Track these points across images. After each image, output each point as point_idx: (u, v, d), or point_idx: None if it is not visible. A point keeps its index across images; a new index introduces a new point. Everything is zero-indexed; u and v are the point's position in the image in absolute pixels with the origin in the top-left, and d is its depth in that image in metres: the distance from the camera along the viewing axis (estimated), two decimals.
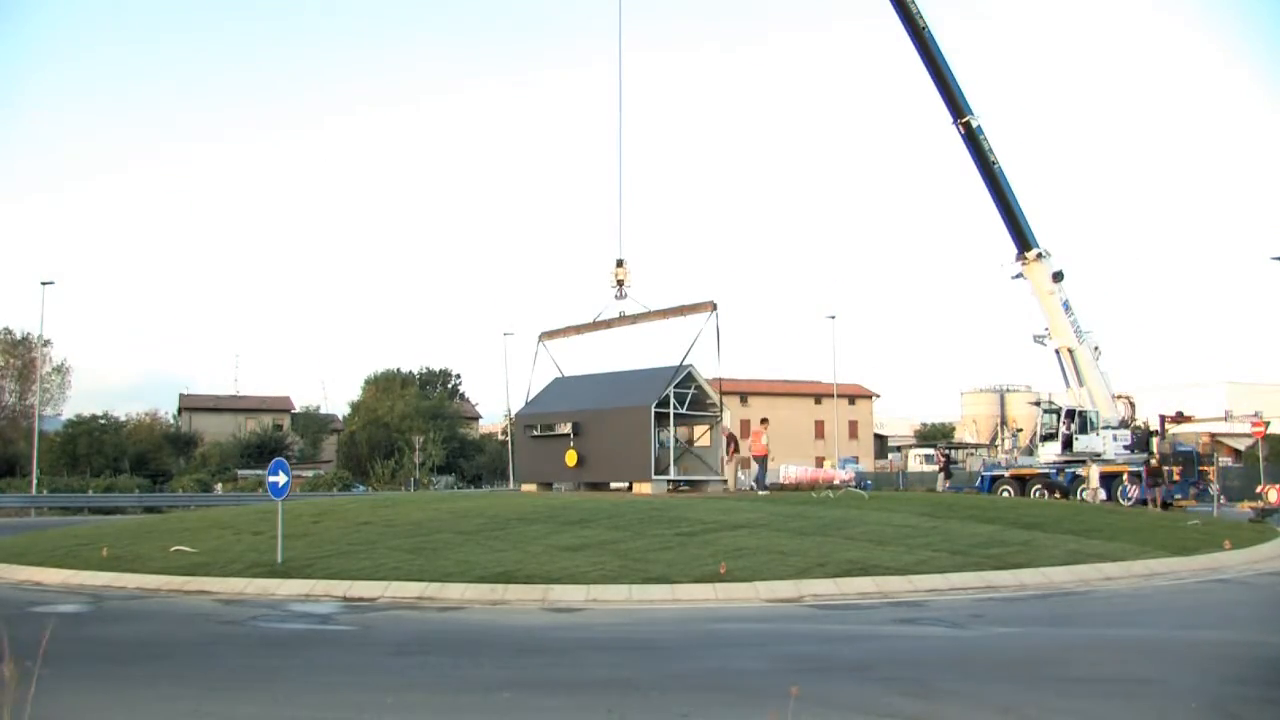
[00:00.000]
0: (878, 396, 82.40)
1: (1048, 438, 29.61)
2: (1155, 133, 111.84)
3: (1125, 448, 28.42)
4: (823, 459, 61.90)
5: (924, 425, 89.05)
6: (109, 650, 9.05)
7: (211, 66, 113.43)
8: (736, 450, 25.27)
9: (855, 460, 67.86)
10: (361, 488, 51.30)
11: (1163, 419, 29.05)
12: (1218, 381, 60.95)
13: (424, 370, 79.84)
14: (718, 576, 12.16)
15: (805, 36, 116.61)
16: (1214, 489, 26.84)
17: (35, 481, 43.37)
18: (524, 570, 12.63)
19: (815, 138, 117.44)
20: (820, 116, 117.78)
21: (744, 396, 66.81)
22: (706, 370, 22.79)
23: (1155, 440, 28.45)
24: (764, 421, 26.05)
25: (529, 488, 24.27)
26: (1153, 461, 26.61)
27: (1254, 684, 7.62)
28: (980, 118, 28.19)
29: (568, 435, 22.53)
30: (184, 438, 65.36)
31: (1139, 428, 29.05)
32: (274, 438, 64.33)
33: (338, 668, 8.27)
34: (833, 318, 60.37)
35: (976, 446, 67.68)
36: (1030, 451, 31.87)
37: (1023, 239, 28.72)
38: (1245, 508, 27.26)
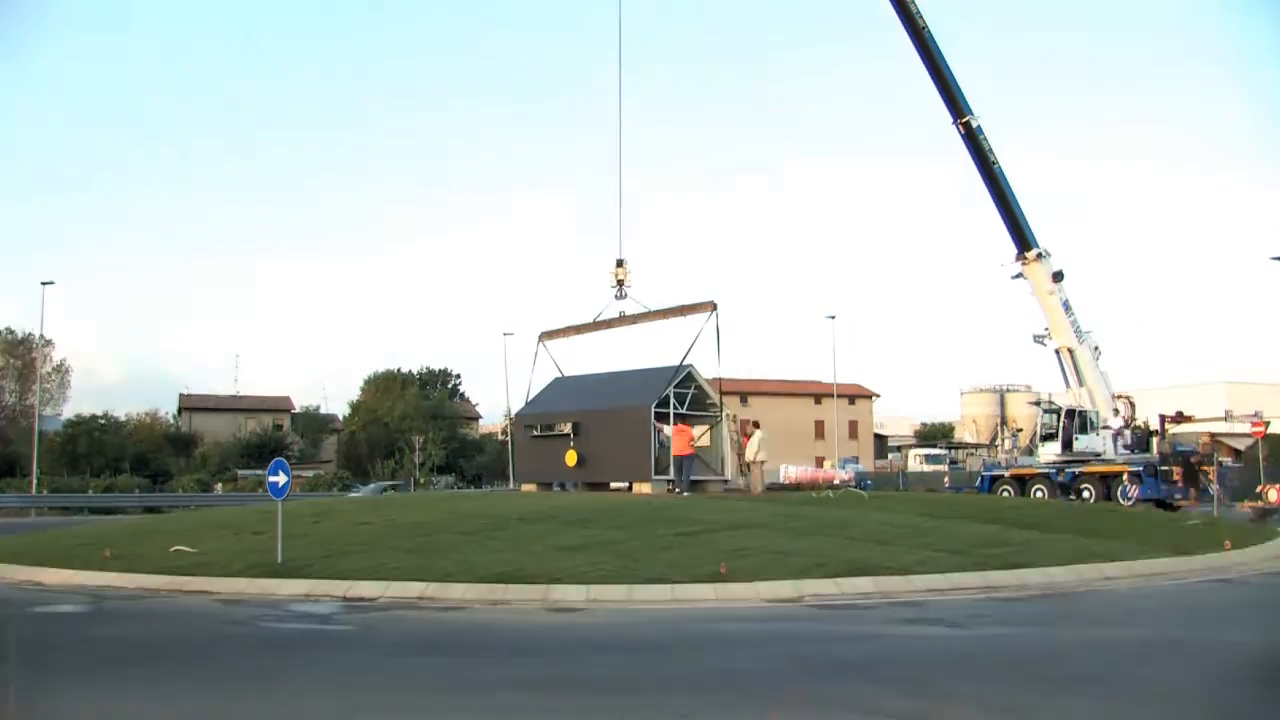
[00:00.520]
0: (878, 396, 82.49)
1: (1048, 438, 29.63)
2: (1155, 133, 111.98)
3: (1125, 448, 28.43)
4: (823, 459, 61.89)
5: (924, 425, 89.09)
6: (109, 650, 9.05)
7: (212, 65, 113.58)
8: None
9: (855, 460, 67.87)
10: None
11: (1163, 419, 29.06)
12: (1218, 381, 60.96)
13: (424, 370, 79.94)
14: (718, 576, 12.15)
15: (805, 36, 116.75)
16: (1214, 489, 26.85)
17: (35, 481, 43.38)
18: (524, 570, 12.62)
19: (815, 137, 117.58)
20: (820, 116, 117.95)
21: (744, 396, 66.74)
22: (706, 370, 22.81)
23: (1155, 440, 28.48)
24: (755, 424, 24.66)
25: (529, 488, 24.27)
26: (1193, 459, 26.99)
27: (1254, 684, 7.63)
28: (980, 118, 28.24)
29: (568, 435, 22.54)
30: (184, 438, 65.35)
31: (1139, 428, 29.07)
32: (274, 438, 64.30)
33: (338, 668, 8.27)
34: (833, 318, 60.46)
35: (976, 446, 67.74)
36: (1030, 451, 31.88)
37: (1023, 239, 28.73)
38: (1245, 507, 27.28)
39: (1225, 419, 35.17)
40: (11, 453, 54.89)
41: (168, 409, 72.42)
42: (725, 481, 23.42)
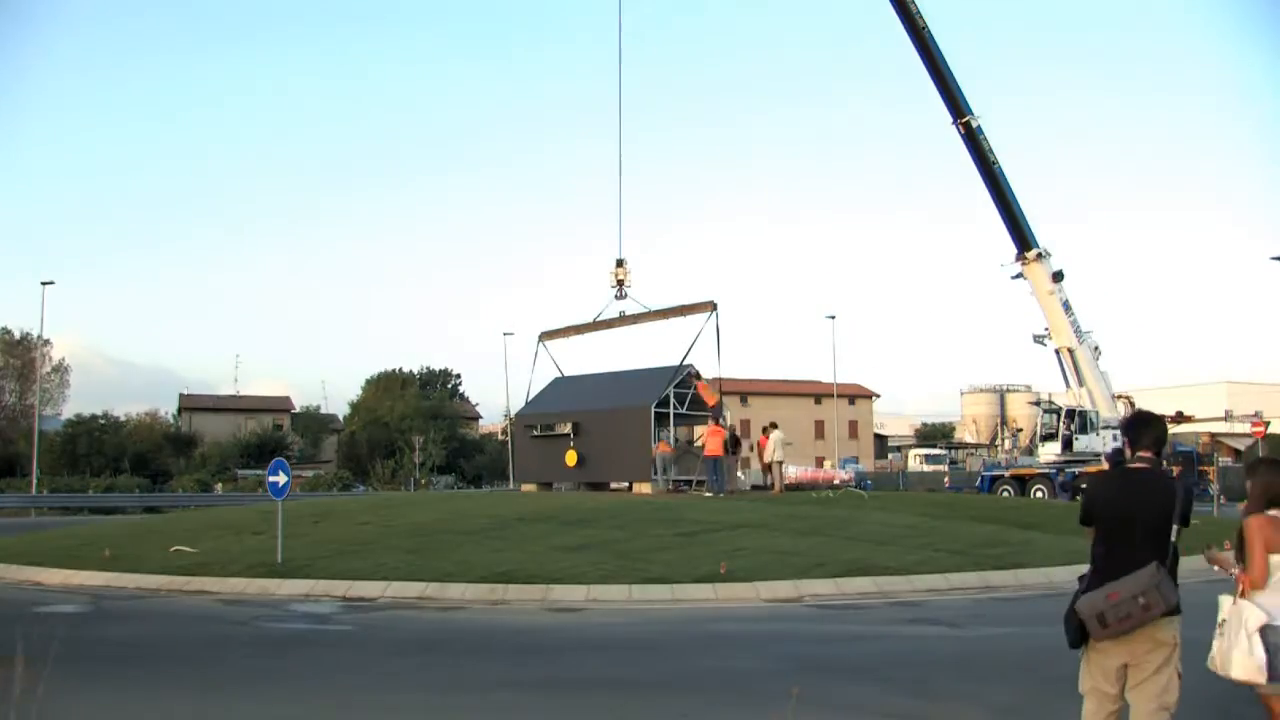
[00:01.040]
0: (878, 396, 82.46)
1: (1048, 438, 29.61)
2: (1155, 133, 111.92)
3: None
4: (823, 459, 61.88)
5: (924, 425, 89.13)
6: (109, 651, 9.05)
7: (212, 65, 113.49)
8: (738, 448, 24.76)
9: (855, 460, 67.88)
10: (362, 488, 51.31)
11: (1163, 419, 29.08)
12: (1218, 381, 60.99)
13: (424, 370, 79.93)
14: (718, 577, 12.16)
15: (805, 35, 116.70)
16: (1214, 489, 26.86)
17: (35, 481, 43.36)
18: (524, 570, 12.63)
19: (815, 137, 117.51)
20: (820, 116, 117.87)
21: (744, 396, 66.78)
22: (707, 370, 22.82)
23: None
24: (773, 425, 23.87)
25: (529, 488, 24.29)
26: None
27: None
28: (980, 118, 28.20)
29: (568, 435, 22.55)
30: (184, 438, 65.33)
31: None
32: (274, 438, 64.27)
33: (338, 667, 8.27)
34: (833, 318, 60.30)
35: (976, 446, 67.79)
36: (1030, 451, 31.88)
37: (1023, 239, 28.71)
38: (1244, 507, 27.31)
39: (1225, 419, 35.23)
40: (11, 453, 54.91)
41: (167, 409, 72.53)
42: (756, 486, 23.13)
